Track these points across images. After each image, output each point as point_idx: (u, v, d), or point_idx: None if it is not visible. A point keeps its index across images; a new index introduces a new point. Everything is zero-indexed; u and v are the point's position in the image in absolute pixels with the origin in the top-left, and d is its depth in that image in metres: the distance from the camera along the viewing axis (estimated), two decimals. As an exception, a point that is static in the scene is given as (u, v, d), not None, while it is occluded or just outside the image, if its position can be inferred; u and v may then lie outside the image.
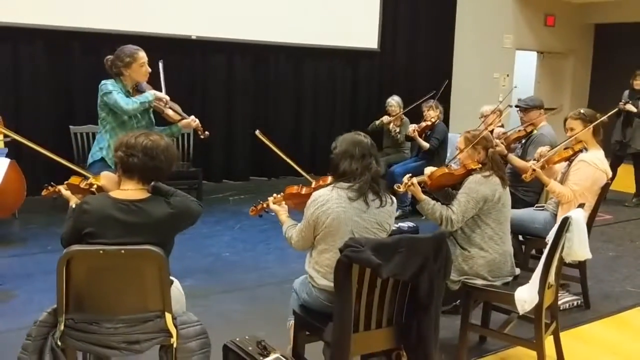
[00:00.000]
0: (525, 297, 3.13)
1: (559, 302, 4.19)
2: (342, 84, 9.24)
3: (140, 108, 3.92)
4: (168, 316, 2.49)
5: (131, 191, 2.47)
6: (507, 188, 3.43)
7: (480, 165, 3.43)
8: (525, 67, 11.74)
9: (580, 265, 4.25)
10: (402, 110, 7.42)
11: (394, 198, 2.84)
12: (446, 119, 9.66)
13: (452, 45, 10.28)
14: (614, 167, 7.65)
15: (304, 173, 3.48)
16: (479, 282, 3.31)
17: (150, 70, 4.06)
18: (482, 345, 3.68)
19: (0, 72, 6.69)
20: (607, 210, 7.41)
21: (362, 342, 2.62)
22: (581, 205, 3.40)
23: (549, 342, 3.46)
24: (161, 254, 2.38)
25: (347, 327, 2.50)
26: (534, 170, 4.08)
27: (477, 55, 10.48)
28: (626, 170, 8.00)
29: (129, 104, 3.87)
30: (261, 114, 8.51)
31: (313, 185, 3.10)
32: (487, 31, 10.66)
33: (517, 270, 3.48)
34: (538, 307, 3.13)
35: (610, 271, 5.13)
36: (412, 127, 6.61)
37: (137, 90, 4.04)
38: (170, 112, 4.13)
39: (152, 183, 2.68)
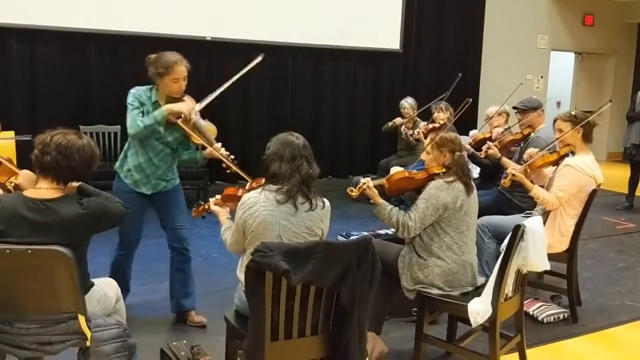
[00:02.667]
0: (478, 308, 2.96)
1: (544, 315, 4.01)
2: (363, 86, 9.11)
3: (144, 132, 3.42)
4: (81, 318, 2.45)
5: (44, 190, 2.44)
6: (473, 195, 3.25)
7: (444, 170, 3.26)
8: (562, 68, 11.33)
9: (568, 276, 4.00)
10: (415, 112, 7.25)
11: (326, 201, 2.73)
12: (474, 123, 9.40)
13: (480, 45, 10.00)
14: (635, 173, 7.27)
15: (242, 173, 3.36)
16: (434, 291, 3.14)
17: (183, 87, 3.52)
18: (447, 359, 3.50)
19: (16, 72, 6.89)
20: (632, 218, 7.04)
21: (283, 351, 2.50)
22: (547, 213, 3.18)
23: (513, 357, 3.28)
24: (68, 254, 2.34)
25: (259, 335, 2.39)
26: (513, 175, 3.88)
27: (509, 56, 10.16)
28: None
29: (133, 127, 3.41)
30: (279, 116, 8.47)
31: (247, 186, 3.01)
32: (520, 31, 10.32)
33: (481, 280, 3.30)
34: (492, 320, 2.96)
35: (614, 283, 4.83)
36: (417, 129, 6.43)
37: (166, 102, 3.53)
38: (190, 133, 3.49)
39: (78, 184, 2.65)
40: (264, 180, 2.77)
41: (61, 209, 2.40)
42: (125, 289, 3.99)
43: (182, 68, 3.49)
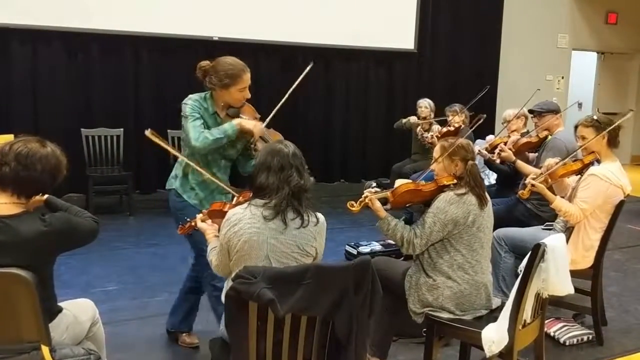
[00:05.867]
0: (493, 337, 2.65)
1: (566, 337, 3.70)
2: (376, 87, 8.81)
3: (212, 145, 3.13)
4: (45, 349, 2.19)
5: (2, 205, 2.19)
6: (487, 209, 2.94)
7: (455, 181, 2.96)
8: (583, 69, 10.94)
9: (592, 294, 3.68)
10: (432, 114, 6.93)
11: (320, 216, 2.44)
12: (491, 125, 9.06)
13: (498, 45, 9.64)
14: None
15: (221, 184, 3.08)
16: (445, 315, 2.85)
17: (249, 96, 3.26)
18: (459, 387, 3.20)
19: (18, 73, 6.67)
20: (660, 226, 6.68)
21: (270, 388, 2.22)
22: (570, 229, 2.87)
23: (533, 387, 2.97)
24: (28, 278, 2.08)
25: (242, 371, 2.12)
26: (532, 185, 3.56)
27: (528, 56, 9.80)
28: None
29: (199, 139, 3.08)
30: (289, 119, 8.18)
31: (234, 201, 2.73)
32: (539, 30, 9.95)
33: (496, 302, 2.99)
34: (508, 349, 2.65)
35: (642, 300, 4.50)
36: (430, 133, 6.12)
37: (228, 115, 3.25)
38: (259, 148, 3.18)
39: (45, 197, 2.40)
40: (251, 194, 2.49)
41: (21, 227, 2.14)
42: (186, 324, 3.62)
43: (248, 75, 3.21)
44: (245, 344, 2.10)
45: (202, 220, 2.75)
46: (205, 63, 3.21)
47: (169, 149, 3.10)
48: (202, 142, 3.09)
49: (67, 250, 2.31)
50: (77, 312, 2.51)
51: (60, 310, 2.42)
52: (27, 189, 2.23)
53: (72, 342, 2.41)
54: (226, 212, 2.51)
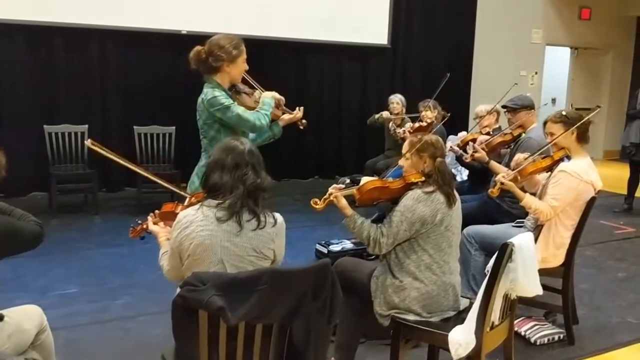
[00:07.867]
0: (460, 339, 2.56)
1: (536, 336, 3.62)
2: (350, 82, 8.71)
3: (268, 122, 3.17)
4: (-18, 360, 2.05)
5: None
6: (456, 207, 2.84)
7: (423, 178, 2.86)
8: (557, 64, 10.94)
9: (563, 292, 3.61)
10: (404, 109, 6.86)
11: (279, 217, 2.31)
12: (465, 121, 9.01)
13: (472, 40, 9.60)
14: (634, 173, 6.91)
15: (165, 183, 2.93)
16: (411, 317, 2.75)
17: (247, 67, 3.23)
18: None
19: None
20: (632, 222, 6.65)
21: (224, 399, 2.10)
22: (539, 228, 2.79)
23: (502, 390, 2.89)
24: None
25: (191, 383, 1.99)
26: (502, 183, 3.47)
27: (502, 51, 9.75)
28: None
29: (260, 117, 3.09)
30: (260, 113, 8.06)
31: (186, 202, 2.59)
32: (513, 25, 9.92)
33: (464, 303, 2.90)
34: (476, 351, 2.56)
35: (614, 296, 4.44)
36: (403, 129, 6.04)
37: (236, 91, 3.24)
38: (279, 111, 3.35)
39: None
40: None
41: (-47, 232, 2.00)
42: None
43: None
44: (196, 355, 1.98)
45: (154, 223, 2.62)
46: (199, 48, 3.17)
47: (113, 157, 2.87)
48: (265, 120, 3.13)
49: (7, 255, 2.17)
50: (21, 319, 2.36)
51: (1, 318, 2.27)
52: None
53: (15, 351, 2.27)
54: (177, 213, 2.38)
